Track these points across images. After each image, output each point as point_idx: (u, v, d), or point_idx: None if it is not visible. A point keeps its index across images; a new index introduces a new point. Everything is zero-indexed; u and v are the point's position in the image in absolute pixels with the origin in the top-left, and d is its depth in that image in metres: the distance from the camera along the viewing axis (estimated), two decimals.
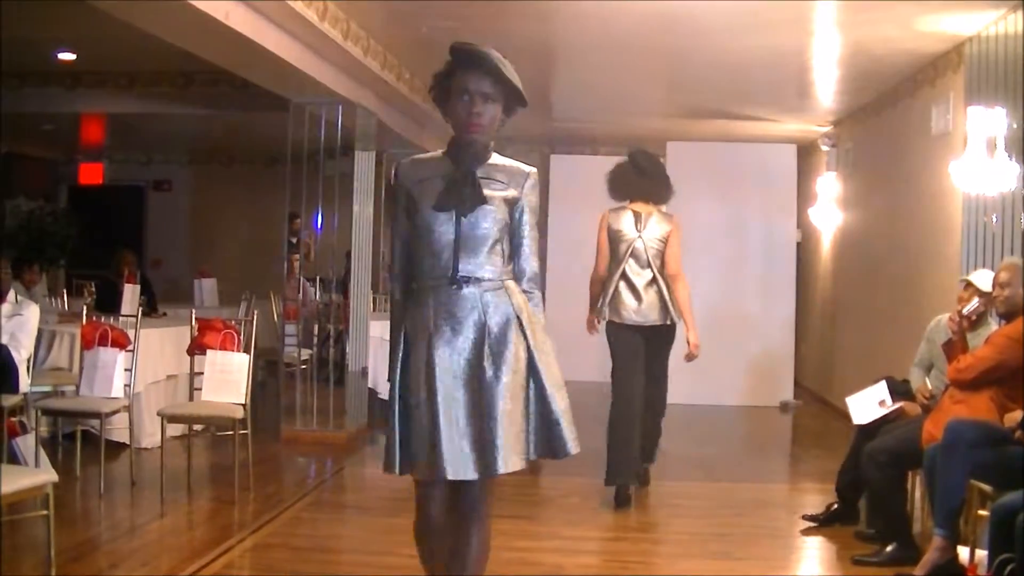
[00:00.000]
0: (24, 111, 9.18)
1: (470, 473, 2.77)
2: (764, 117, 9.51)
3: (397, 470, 2.88)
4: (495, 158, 3.00)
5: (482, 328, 2.86)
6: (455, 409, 2.80)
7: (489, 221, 2.91)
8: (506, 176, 2.99)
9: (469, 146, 2.95)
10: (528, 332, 2.90)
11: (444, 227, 2.90)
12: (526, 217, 3.01)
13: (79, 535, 4.63)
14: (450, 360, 2.84)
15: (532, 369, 2.88)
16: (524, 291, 3.00)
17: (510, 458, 2.77)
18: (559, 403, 2.89)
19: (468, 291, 2.89)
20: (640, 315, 5.58)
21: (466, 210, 2.89)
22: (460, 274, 2.89)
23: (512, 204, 2.98)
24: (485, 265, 2.91)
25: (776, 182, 10.05)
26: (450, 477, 2.77)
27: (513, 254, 3.01)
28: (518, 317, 2.90)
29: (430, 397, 2.81)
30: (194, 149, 13.71)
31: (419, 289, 2.98)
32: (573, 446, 2.89)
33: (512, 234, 3.00)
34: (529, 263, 3.03)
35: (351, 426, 7.42)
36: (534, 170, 3.05)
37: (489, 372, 2.82)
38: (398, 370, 2.95)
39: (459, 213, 2.89)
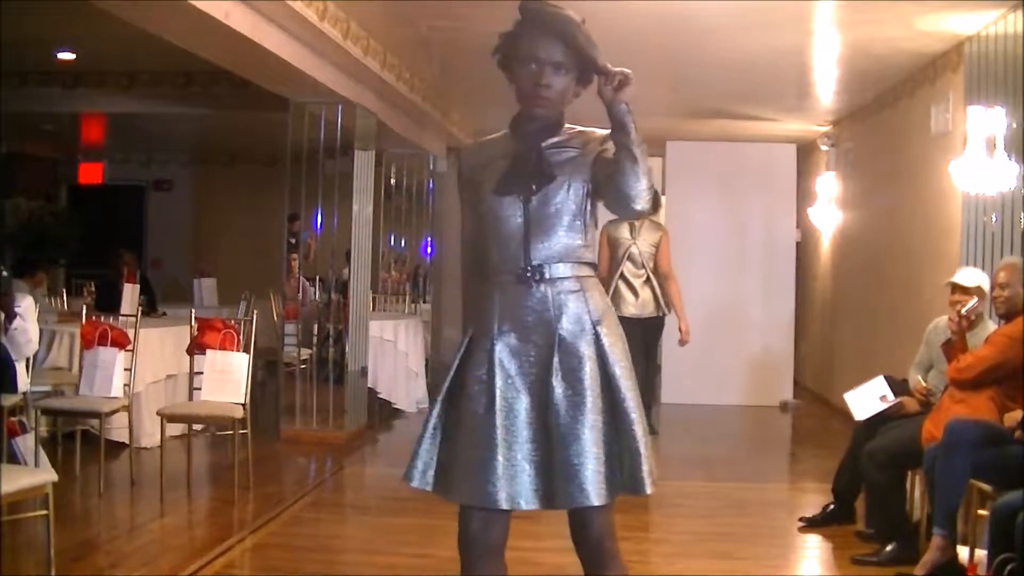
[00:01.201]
0: (24, 111, 9.18)
1: (529, 503, 2.41)
2: (764, 117, 9.52)
3: (416, 481, 2.52)
4: (567, 129, 2.61)
5: (552, 336, 2.47)
6: (516, 428, 2.43)
7: (561, 194, 2.50)
8: (580, 141, 2.58)
9: (534, 121, 2.56)
10: (606, 343, 2.49)
11: (510, 211, 2.51)
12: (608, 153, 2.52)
13: (79, 535, 4.63)
14: (516, 372, 2.47)
15: (611, 387, 2.47)
16: None
17: (586, 491, 2.38)
18: (641, 430, 2.47)
19: (539, 291, 2.49)
20: (637, 308, 6.61)
21: (531, 192, 2.50)
22: (533, 263, 2.49)
23: (591, 163, 2.54)
24: (561, 250, 2.50)
25: (776, 182, 10.05)
26: (504, 506, 2.39)
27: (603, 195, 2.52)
28: (595, 324, 2.50)
29: (488, 412, 2.43)
30: (194, 149, 13.71)
31: (486, 286, 2.58)
32: (650, 484, 2.44)
33: (594, 184, 2.53)
34: None
35: (351, 426, 7.43)
36: (608, 132, 2.56)
37: (559, 390, 2.43)
38: (451, 374, 2.56)
39: (524, 197, 2.50)
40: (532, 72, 2.50)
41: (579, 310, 2.50)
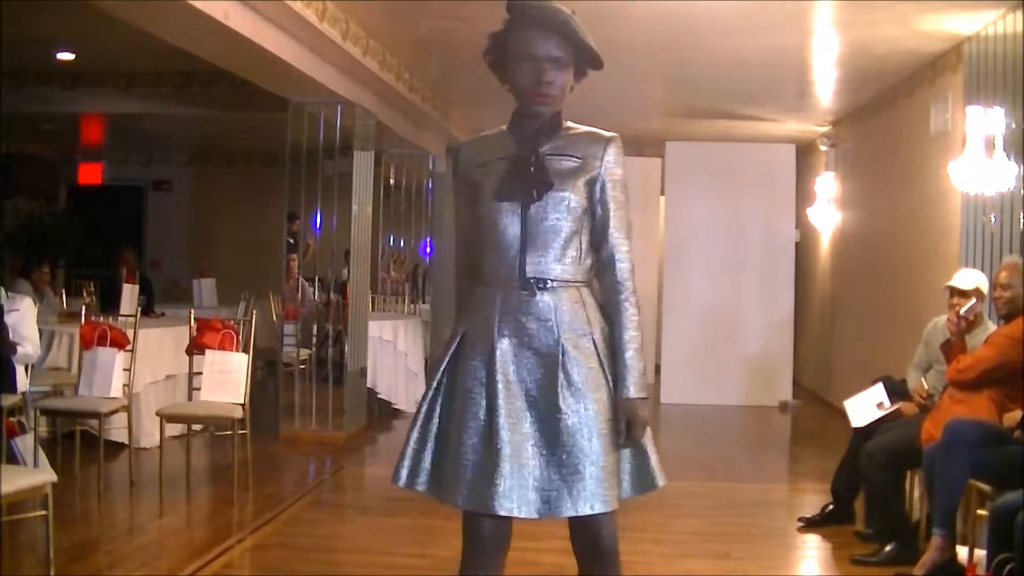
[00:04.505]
0: (24, 111, 9.19)
1: (531, 511, 2.36)
2: (763, 117, 9.52)
3: (403, 481, 2.49)
4: (566, 128, 2.53)
5: (556, 345, 2.42)
6: (519, 436, 2.37)
7: (560, 210, 2.43)
8: (581, 148, 2.49)
9: (535, 120, 2.49)
10: (602, 352, 2.46)
11: (508, 219, 2.43)
12: (610, 194, 2.48)
13: (78, 535, 4.63)
14: (517, 379, 2.41)
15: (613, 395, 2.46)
16: (614, 291, 2.49)
17: (591, 499, 2.36)
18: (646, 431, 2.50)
19: (542, 299, 2.43)
20: None
21: (532, 199, 2.42)
22: (528, 276, 2.43)
23: (591, 183, 2.47)
24: (557, 265, 2.44)
25: (775, 182, 10.05)
26: (503, 513, 2.35)
27: (597, 244, 2.50)
28: (591, 334, 2.45)
29: (490, 418, 2.38)
30: (194, 149, 13.73)
31: (482, 290, 2.51)
32: (661, 477, 2.50)
33: (593, 217, 2.49)
34: (618, 251, 2.49)
35: (350, 426, 7.43)
36: (615, 135, 2.52)
37: (564, 399, 2.39)
38: (439, 376, 2.50)
39: (524, 203, 2.43)
40: (530, 70, 2.43)
41: (579, 317, 2.46)
